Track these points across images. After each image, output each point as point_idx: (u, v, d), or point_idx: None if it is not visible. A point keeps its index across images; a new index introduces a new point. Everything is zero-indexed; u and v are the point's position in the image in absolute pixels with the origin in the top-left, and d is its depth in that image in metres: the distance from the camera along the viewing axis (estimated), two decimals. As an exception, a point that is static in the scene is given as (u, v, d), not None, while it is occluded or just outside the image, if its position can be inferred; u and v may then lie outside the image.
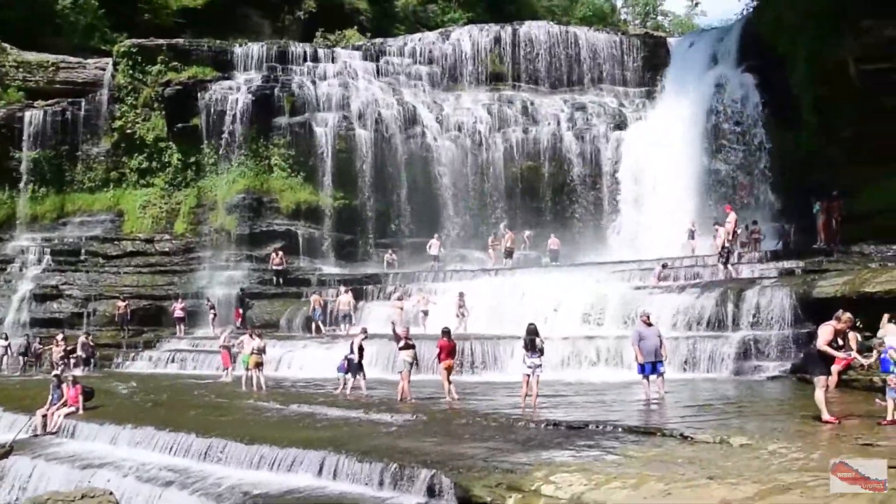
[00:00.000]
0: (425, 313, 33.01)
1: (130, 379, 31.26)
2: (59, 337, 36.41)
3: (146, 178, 45.60)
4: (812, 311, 22.19)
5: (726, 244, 30.07)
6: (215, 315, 39.38)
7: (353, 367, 22.91)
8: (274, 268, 40.33)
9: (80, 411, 22.31)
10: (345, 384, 23.17)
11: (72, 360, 34.69)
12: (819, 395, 14.10)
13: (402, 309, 33.11)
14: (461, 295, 32.00)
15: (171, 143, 44.98)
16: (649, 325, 20.03)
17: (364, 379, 23.13)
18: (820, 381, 14.19)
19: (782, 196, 36.98)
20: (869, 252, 26.32)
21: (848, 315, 14.67)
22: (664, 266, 30.07)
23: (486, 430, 15.86)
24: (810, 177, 32.24)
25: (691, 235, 35.75)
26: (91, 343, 36.29)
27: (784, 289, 24.59)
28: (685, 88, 42.11)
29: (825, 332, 14.22)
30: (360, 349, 23.17)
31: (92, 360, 35.76)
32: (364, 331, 23.68)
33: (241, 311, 38.46)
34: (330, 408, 20.23)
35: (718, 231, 30.84)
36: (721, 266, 29.60)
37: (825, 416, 14.00)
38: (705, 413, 16.62)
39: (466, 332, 30.07)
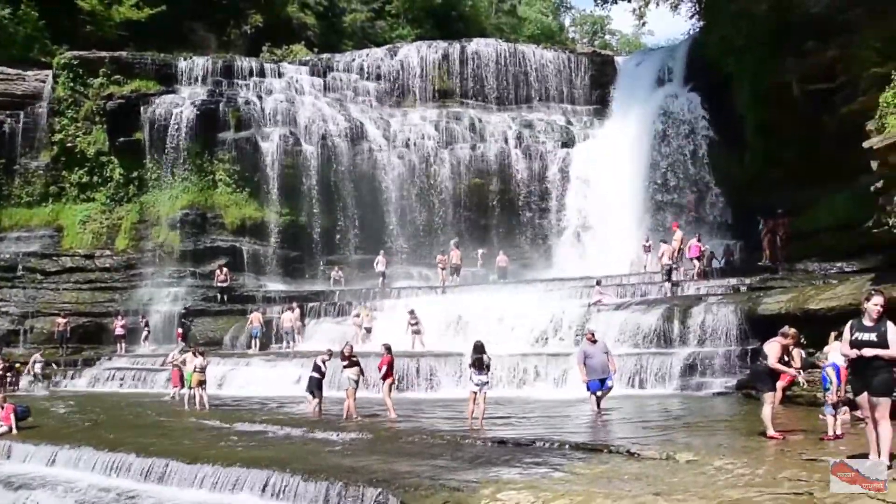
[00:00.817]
0: (368, 330, 32.73)
1: (69, 398, 30.53)
2: (-3, 355, 35.50)
3: (87, 192, 44.60)
4: (757, 327, 22.53)
5: (668, 261, 30.46)
6: (148, 332, 38.87)
7: (312, 383, 22.38)
8: (218, 284, 39.75)
9: (14, 431, 21.65)
10: (314, 402, 22.54)
11: (8, 379, 33.76)
12: (766, 410, 14.17)
13: (360, 326, 32.86)
14: (412, 312, 31.66)
15: (112, 157, 44.11)
16: (594, 342, 20.09)
17: (319, 399, 22.50)
18: (767, 397, 14.27)
19: (729, 213, 37.46)
20: (813, 269, 26.70)
21: (794, 331, 14.92)
22: (598, 283, 30.23)
23: (432, 447, 15.68)
24: (756, 195, 32.62)
25: (646, 251, 35.97)
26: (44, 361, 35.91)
27: (729, 306, 24.91)
28: (632, 107, 42.59)
29: (774, 349, 14.33)
30: (318, 368, 22.54)
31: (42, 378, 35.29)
32: (329, 352, 23.05)
33: (180, 329, 37.87)
34: (274, 426, 19.86)
35: (662, 248, 31.23)
36: (667, 283, 29.91)
37: (770, 431, 14.05)
38: (652, 429, 16.61)
39: (416, 349, 29.88)
